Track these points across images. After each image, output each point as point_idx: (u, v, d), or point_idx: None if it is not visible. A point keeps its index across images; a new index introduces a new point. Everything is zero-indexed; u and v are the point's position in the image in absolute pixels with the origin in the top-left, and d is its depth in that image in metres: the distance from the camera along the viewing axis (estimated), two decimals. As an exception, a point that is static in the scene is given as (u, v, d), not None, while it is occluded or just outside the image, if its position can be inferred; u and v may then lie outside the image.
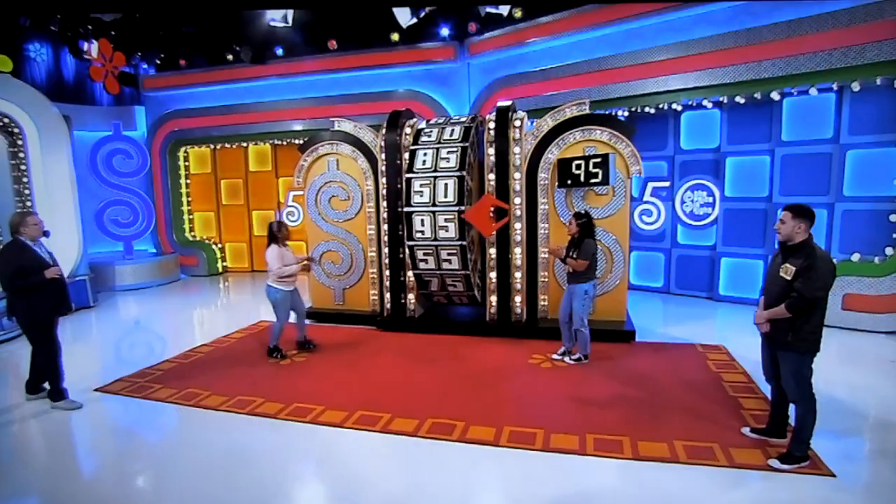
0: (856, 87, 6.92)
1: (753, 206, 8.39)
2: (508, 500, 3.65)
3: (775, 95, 7.56)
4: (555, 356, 6.16)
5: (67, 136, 9.46)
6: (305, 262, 6.72)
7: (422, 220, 6.91)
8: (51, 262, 5.05)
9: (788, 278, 3.63)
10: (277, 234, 6.27)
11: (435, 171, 6.91)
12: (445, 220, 6.82)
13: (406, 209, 6.95)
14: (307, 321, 6.94)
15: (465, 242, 6.80)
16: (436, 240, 6.90)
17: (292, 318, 6.54)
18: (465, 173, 6.79)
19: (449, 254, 6.94)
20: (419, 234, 6.95)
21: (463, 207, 6.71)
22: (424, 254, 7.04)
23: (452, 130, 7.18)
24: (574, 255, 5.74)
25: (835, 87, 7.20)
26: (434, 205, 6.85)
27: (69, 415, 5.07)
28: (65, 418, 5.02)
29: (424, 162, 7.00)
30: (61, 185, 9.31)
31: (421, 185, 6.92)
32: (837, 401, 4.85)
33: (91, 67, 11.49)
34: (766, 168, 8.20)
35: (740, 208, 8.52)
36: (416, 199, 6.93)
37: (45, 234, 5.19)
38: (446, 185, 6.83)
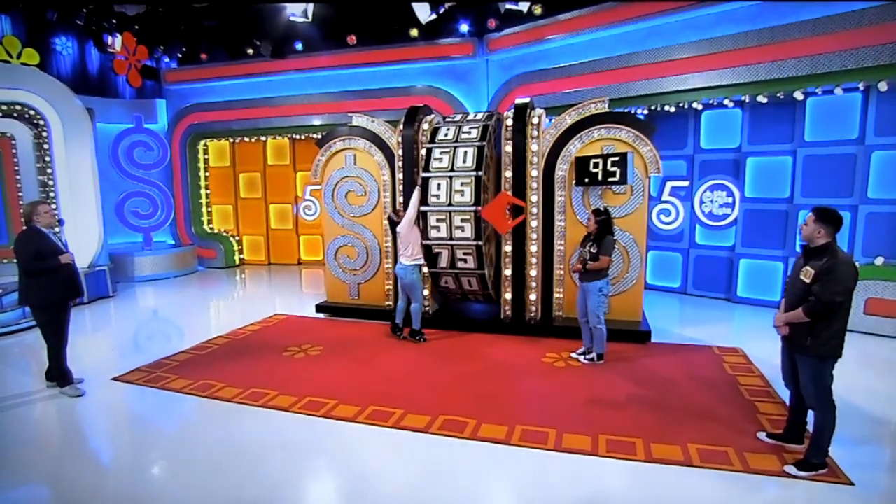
0: (883, 86, 6.75)
1: (774, 207, 8.24)
2: (519, 499, 3.64)
3: (799, 95, 7.40)
4: (573, 354, 6.13)
5: (90, 128, 9.62)
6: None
7: (438, 219, 6.90)
8: (64, 250, 5.27)
9: (808, 281, 3.56)
10: (397, 219, 6.81)
11: (452, 170, 6.89)
12: (462, 219, 6.80)
13: (422, 208, 6.95)
14: (320, 314, 6.97)
15: (480, 242, 6.78)
16: (451, 239, 6.89)
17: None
18: (481, 173, 6.76)
19: (465, 253, 6.92)
20: (435, 233, 6.95)
21: (479, 207, 6.69)
22: (440, 252, 7.03)
23: (470, 129, 7.15)
24: (593, 251, 5.70)
25: (861, 86, 7.04)
26: (450, 204, 6.84)
27: (87, 403, 5.17)
28: (82, 406, 5.12)
29: (441, 161, 6.98)
30: (83, 176, 9.48)
31: (437, 185, 6.91)
32: (857, 407, 4.76)
33: (115, 61, 11.68)
34: (787, 169, 8.06)
35: (760, 209, 8.38)
36: (432, 198, 6.92)
37: (60, 222, 5.42)
38: (463, 184, 6.81)
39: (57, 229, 5.40)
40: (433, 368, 5.94)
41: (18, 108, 8.78)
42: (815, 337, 3.56)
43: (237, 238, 13.67)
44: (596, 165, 6.52)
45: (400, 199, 7.46)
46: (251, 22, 11.49)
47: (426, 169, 6.99)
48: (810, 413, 3.83)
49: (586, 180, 6.64)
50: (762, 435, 4.22)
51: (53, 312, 5.23)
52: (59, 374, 5.33)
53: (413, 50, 11.22)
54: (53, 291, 5.16)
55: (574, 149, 6.81)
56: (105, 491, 3.74)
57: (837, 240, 3.60)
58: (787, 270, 7.77)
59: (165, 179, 12.76)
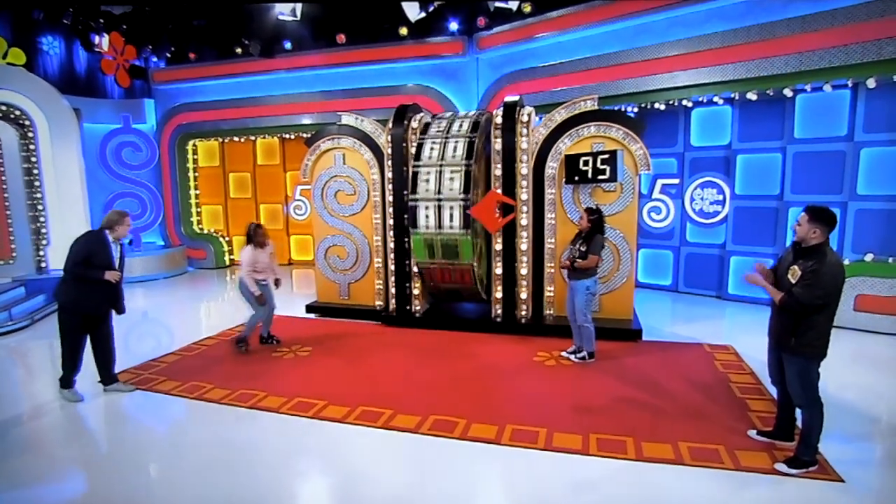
0: (871, 83, 6.77)
1: (764, 204, 8.26)
2: (509, 498, 3.62)
3: (788, 92, 7.43)
4: (564, 353, 6.11)
5: (77, 128, 9.53)
6: (276, 279, 6.75)
7: (426, 207, 6.87)
8: (116, 266, 5.05)
9: (794, 281, 3.54)
10: (253, 235, 6.37)
11: (442, 159, 6.87)
12: (450, 209, 6.77)
13: (411, 199, 6.91)
14: (310, 315, 6.92)
15: (467, 231, 6.74)
16: (440, 227, 6.85)
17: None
18: (472, 162, 6.73)
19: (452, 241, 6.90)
20: (423, 224, 6.91)
21: (468, 196, 6.66)
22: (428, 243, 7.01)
23: (461, 123, 7.15)
24: (583, 249, 5.68)
25: (850, 83, 7.06)
26: (439, 193, 6.81)
27: (76, 405, 5.09)
28: (71, 409, 5.04)
29: (432, 151, 6.97)
30: (71, 176, 9.39)
31: (427, 174, 6.89)
32: (848, 404, 4.77)
33: (102, 61, 11.57)
34: (777, 166, 8.07)
35: (751, 206, 8.40)
36: (421, 188, 6.89)
37: (131, 242, 5.22)
38: (452, 175, 6.79)
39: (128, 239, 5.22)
40: (423, 368, 5.90)
41: (4, 108, 8.68)
42: (798, 337, 3.56)
43: (227, 238, 13.59)
44: (586, 163, 6.50)
45: (390, 198, 7.42)
46: (240, 21, 11.41)
47: (417, 158, 6.97)
48: (799, 410, 3.82)
49: (576, 178, 6.62)
50: (753, 433, 4.21)
51: (71, 318, 5.00)
52: (62, 377, 5.17)
53: (402, 48, 11.18)
54: (86, 301, 4.96)
55: (564, 146, 6.79)
56: (93, 492, 3.70)
57: (829, 238, 3.57)
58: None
59: (154, 180, 12.65)
